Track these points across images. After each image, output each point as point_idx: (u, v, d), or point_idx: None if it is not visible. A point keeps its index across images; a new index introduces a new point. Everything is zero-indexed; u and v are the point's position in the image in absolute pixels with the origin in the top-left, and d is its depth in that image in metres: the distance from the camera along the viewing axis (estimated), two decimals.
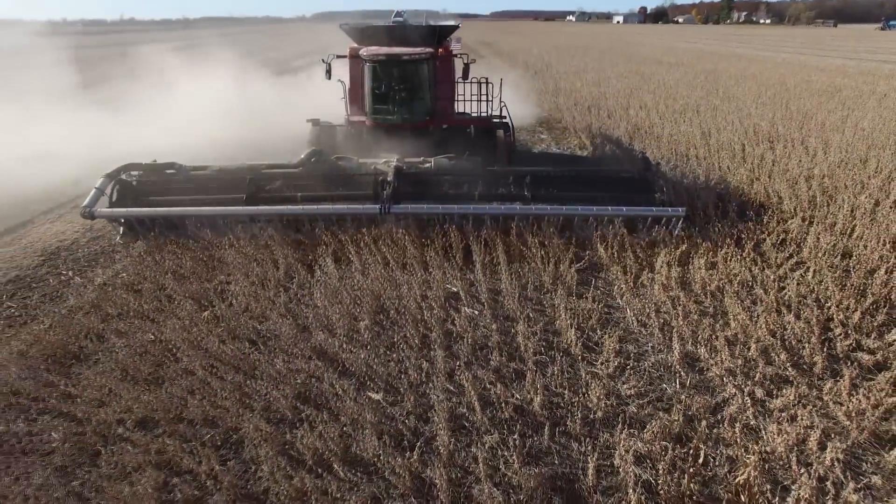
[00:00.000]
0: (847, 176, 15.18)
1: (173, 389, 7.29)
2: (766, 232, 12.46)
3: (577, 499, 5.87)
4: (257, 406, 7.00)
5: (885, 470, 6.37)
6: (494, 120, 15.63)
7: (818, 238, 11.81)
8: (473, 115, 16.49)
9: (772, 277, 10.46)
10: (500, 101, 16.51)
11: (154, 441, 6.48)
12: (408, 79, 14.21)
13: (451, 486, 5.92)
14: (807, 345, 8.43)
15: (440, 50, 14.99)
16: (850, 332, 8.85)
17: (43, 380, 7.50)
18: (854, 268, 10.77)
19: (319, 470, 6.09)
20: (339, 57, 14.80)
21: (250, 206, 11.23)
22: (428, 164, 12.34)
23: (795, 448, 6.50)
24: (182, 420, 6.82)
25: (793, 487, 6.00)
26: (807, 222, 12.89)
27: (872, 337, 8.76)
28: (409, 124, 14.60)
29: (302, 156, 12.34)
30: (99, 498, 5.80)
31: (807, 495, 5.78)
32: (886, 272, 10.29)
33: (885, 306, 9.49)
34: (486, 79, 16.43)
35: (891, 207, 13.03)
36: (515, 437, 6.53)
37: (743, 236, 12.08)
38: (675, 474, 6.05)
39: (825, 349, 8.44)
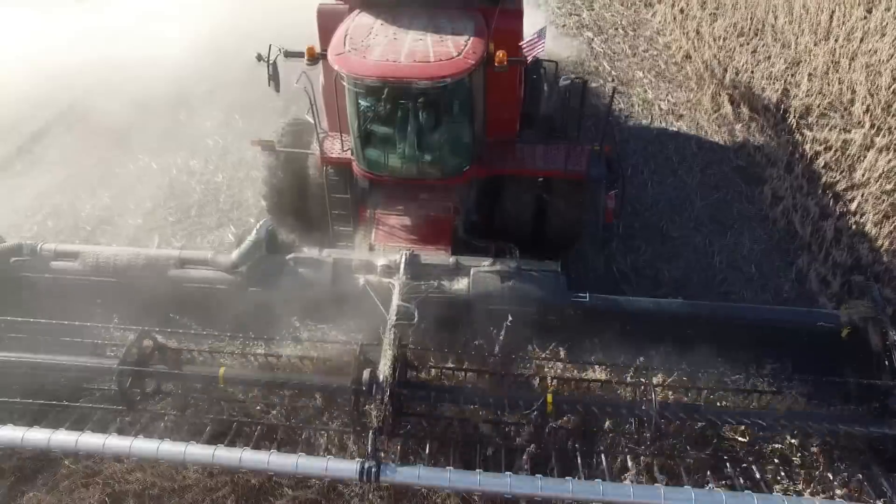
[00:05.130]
0: None
1: None
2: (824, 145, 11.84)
3: None
4: None
5: None
6: (589, 165, 8.34)
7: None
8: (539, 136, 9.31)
9: None
10: (609, 114, 9.39)
11: None
12: (430, 113, 7.49)
13: None
14: None
15: (493, 45, 7.34)
16: None
17: None
18: None
19: None
20: (290, 56, 7.59)
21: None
22: (462, 285, 6.97)
23: None
24: None
25: None
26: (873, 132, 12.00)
27: None
28: (433, 180, 8.21)
29: (240, 248, 7.31)
30: None
31: None
32: None
33: None
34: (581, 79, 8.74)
35: None
36: None
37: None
38: None
39: None
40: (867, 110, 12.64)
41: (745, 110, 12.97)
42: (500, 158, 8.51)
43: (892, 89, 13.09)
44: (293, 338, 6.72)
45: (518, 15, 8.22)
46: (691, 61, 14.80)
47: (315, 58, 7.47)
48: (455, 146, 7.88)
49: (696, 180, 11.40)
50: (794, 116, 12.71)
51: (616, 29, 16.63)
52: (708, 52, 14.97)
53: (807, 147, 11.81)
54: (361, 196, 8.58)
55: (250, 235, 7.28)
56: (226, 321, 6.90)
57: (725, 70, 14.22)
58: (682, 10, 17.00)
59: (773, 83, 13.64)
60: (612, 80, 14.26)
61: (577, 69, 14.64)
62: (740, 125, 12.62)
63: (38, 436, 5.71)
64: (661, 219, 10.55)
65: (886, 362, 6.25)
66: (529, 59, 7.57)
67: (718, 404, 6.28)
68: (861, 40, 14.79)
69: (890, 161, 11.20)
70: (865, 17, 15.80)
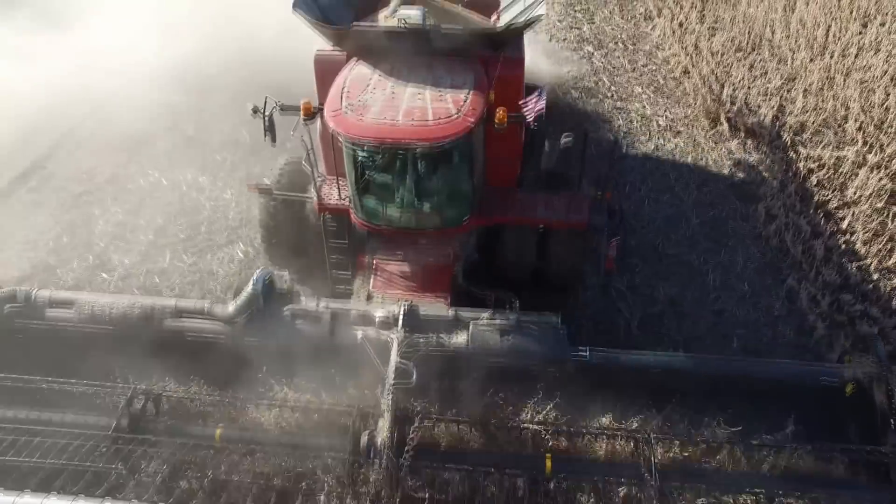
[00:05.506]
0: None
1: None
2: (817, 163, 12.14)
3: None
4: None
5: None
6: (591, 214, 8.38)
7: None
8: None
9: None
10: (612, 161, 9.01)
11: None
12: (429, 168, 7.60)
13: None
14: None
15: (493, 96, 7.52)
16: None
17: None
18: None
19: None
20: (286, 110, 7.65)
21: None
22: (461, 340, 6.89)
23: None
24: None
25: None
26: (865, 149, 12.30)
27: None
28: (432, 231, 8.25)
29: (237, 300, 7.20)
30: None
31: None
32: None
33: None
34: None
35: None
36: None
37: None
38: None
39: None
40: (860, 128, 12.92)
41: (741, 127, 13.28)
42: (500, 207, 8.47)
43: (885, 106, 13.38)
44: (291, 395, 6.65)
45: (519, 63, 8.16)
46: (689, 77, 15.09)
47: (311, 114, 7.46)
48: (454, 199, 7.91)
49: (693, 197, 11.71)
50: (789, 133, 13.01)
51: (616, 43, 16.92)
52: (706, 67, 15.26)
53: (800, 165, 12.11)
54: (360, 242, 8.49)
55: (247, 287, 7.17)
56: (223, 373, 6.87)
57: (723, 86, 14.51)
58: (680, 24, 17.30)
59: (769, 100, 13.92)
60: (612, 97, 14.58)
61: (576, 84, 14.98)
62: (736, 142, 12.92)
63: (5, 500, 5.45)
64: (658, 236, 10.87)
65: (892, 422, 6.14)
66: (529, 120, 7.33)
67: (718, 459, 6.29)
68: (856, 56, 15.06)
69: (881, 179, 11.50)
70: (861, 33, 16.08)
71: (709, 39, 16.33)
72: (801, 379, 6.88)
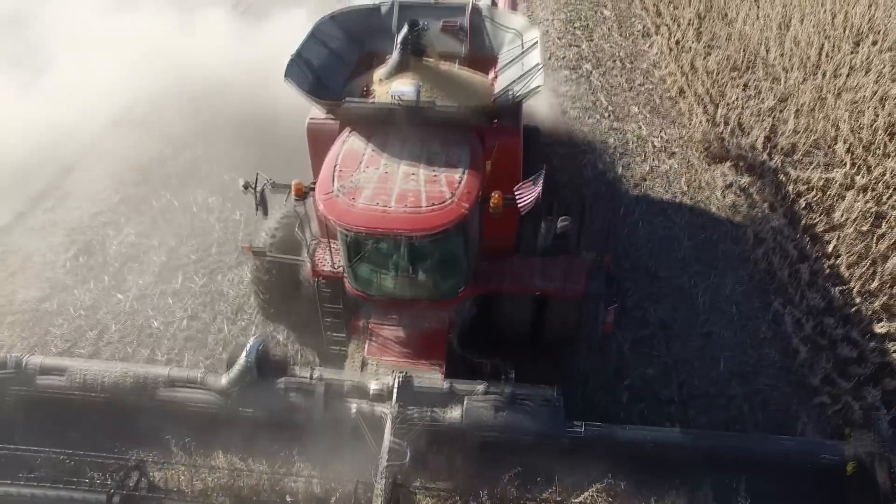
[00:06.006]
0: None
1: None
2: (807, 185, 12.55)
3: None
4: None
5: None
6: (589, 281, 8.34)
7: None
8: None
9: None
10: (611, 226, 9.09)
11: None
12: (424, 255, 7.69)
13: None
14: None
15: (490, 166, 7.65)
16: None
17: None
18: None
19: None
20: (277, 188, 7.66)
21: None
22: (455, 414, 6.99)
23: None
24: None
25: None
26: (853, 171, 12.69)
27: None
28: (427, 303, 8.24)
29: (230, 372, 7.30)
30: None
31: None
32: None
33: None
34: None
35: None
36: None
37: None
38: None
39: None
40: (849, 149, 13.32)
41: (733, 148, 13.68)
42: (496, 275, 8.45)
43: (873, 127, 13.77)
44: (284, 472, 6.75)
45: (515, 133, 8.11)
46: (685, 97, 15.49)
47: (303, 194, 7.41)
48: (449, 273, 7.87)
49: (685, 220, 12.14)
50: (780, 155, 13.42)
51: (614, 61, 17.32)
52: (701, 87, 15.66)
53: (790, 188, 12.51)
54: (354, 304, 8.40)
55: (241, 357, 7.22)
56: (216, 445, 6.94)
57: (717, 106, 14.92)
58: (677, 42, 17.68)
59: (762, 121, 14.31)
60: (609, 116, 14.99)
61: (574, 104, 15.40)
62: (729, 164, 13.31)
63: None
64: (651, 258, 11.29)
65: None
66: (522, 209, 7.03)
67: None
68: (847, 76, 15.44)
69: (867, 202, 11.90)
70: (853, 52, 16.46)
71: (704, 58, 16.72)
72: (802, 456, 6.92)
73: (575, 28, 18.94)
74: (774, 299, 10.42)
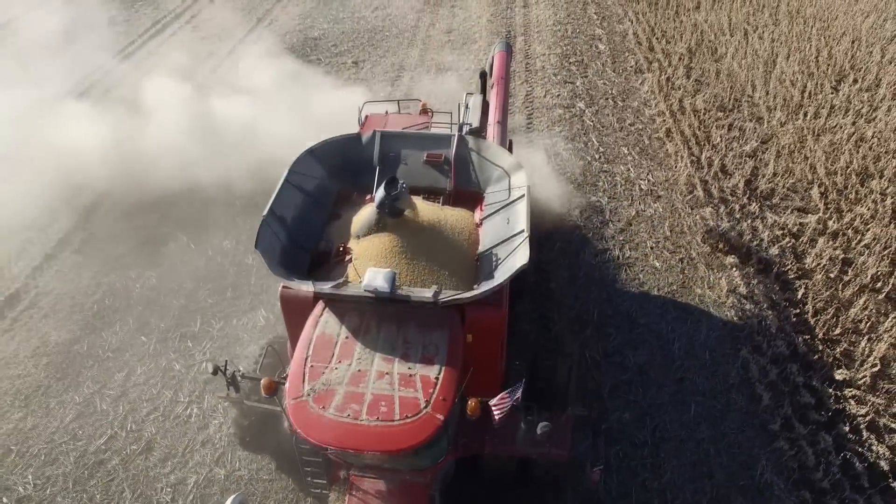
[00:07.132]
0: None
1: None
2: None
3: None
4: None
5: None
6: (573, 442, 8.43)
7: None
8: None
9: None
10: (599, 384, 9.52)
11: None
12: (399, 459, 7.63)
13: None
14: None
15: (471, 338, 7.81)
16: None
17: None
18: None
19: None
20: (246, 379, 8.31)
21: None
22: None
23: None
24: None
25: None
26: (826, 216, 13.51)
27: None
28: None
29: None
30: None
31: None
32: None
33: None
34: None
35: None
36: None
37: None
38: None
39: None
40: (823, 193, 14.14)
41: (715, 192, 14.52)
42: (478, 438, 8.31)
43: (848, 171, 14.58)
44: None
45: (498, 307, 7.86)
46: (672, 139, 16.30)
47: (273, 391, 7.21)
48: (428, 455, 7.50)
49: (666, 265, 13.01)
50: (758, 199, 14.26)
51: (606, 99, 18.15)
52: (688, 128, 16.47)
53: (766, 234, 13.33)
54: (335, 456, 8.03)
55: None
56: None
57: (702, 148, 15.73)
58: (668, 79, 18.49)
59: (744, 164, 15.14)
60: (599, 158, 15.84)
61: (567, 145, 16.25)
62: (710, 208, 14.15)
63: None
64: (632, 305, 12.19)
65: None
66: (497, 424, 7.16)
67: None
68: (827, 116, 16.24)
69: (835, 249, 12.74)
70: (834, 91, 17.24)
71: (693, 97, 17.54)
72: None
73: (570, 63, 19.77)
74: (743, 347, 11.29)
